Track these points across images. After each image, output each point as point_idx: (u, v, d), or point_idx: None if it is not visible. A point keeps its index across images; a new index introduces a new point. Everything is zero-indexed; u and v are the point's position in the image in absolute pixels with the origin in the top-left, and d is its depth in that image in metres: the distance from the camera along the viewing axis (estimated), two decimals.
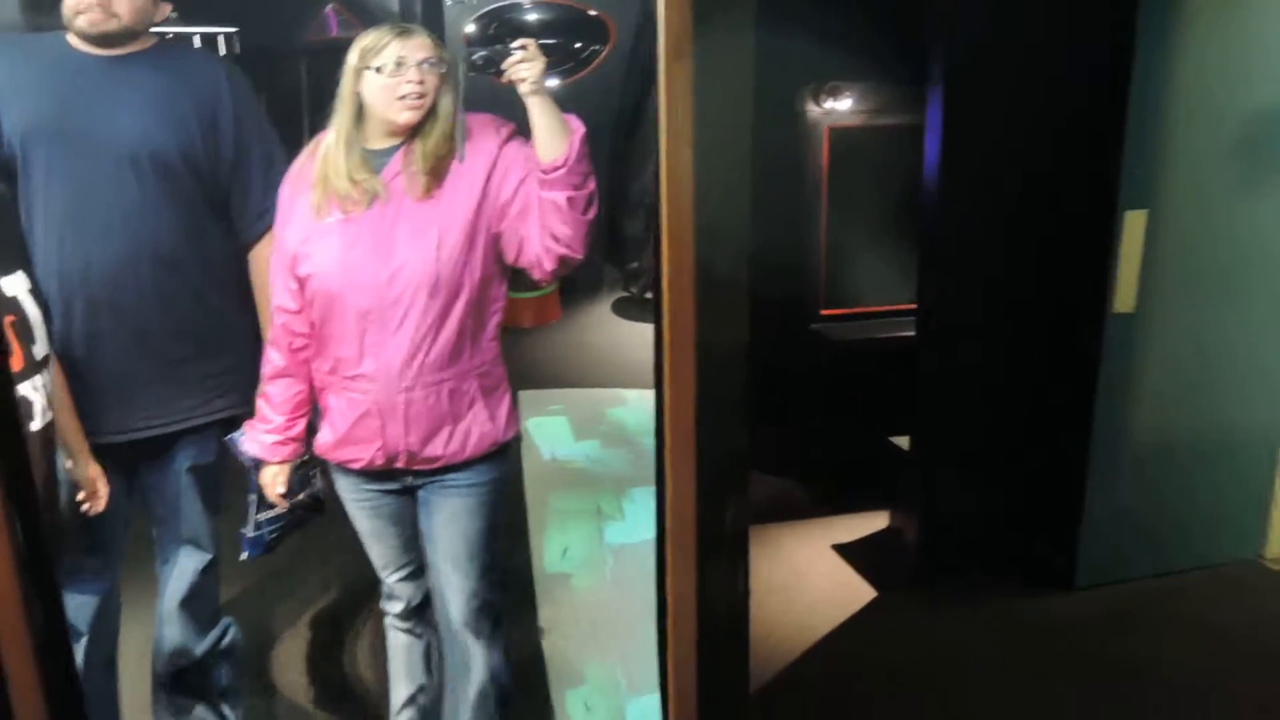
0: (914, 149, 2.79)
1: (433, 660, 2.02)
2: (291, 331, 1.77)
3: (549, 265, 1.67)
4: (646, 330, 1.69)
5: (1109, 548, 2.83)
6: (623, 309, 5.56)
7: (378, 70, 1.62)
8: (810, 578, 2.96)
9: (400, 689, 2.04)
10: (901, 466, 3.18)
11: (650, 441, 1.58)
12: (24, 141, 1.74)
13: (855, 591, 2.88)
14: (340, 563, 2.72)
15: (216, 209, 1.89)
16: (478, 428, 1.76)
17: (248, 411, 1.86)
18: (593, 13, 4.81)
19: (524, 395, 4.18)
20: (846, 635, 2.68)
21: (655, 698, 1.68)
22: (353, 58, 1.64)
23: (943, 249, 2.77)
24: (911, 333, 2.95)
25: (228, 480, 2.00)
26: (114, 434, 1.83)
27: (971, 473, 2.89)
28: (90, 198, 1.76)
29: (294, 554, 1.98)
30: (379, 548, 1.92)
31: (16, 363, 1.49)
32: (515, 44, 1.56)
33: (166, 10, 1.83)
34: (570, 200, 1.61)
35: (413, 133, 1.67)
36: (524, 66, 1.55)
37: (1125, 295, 2.65)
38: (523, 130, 1.67)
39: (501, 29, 4.54)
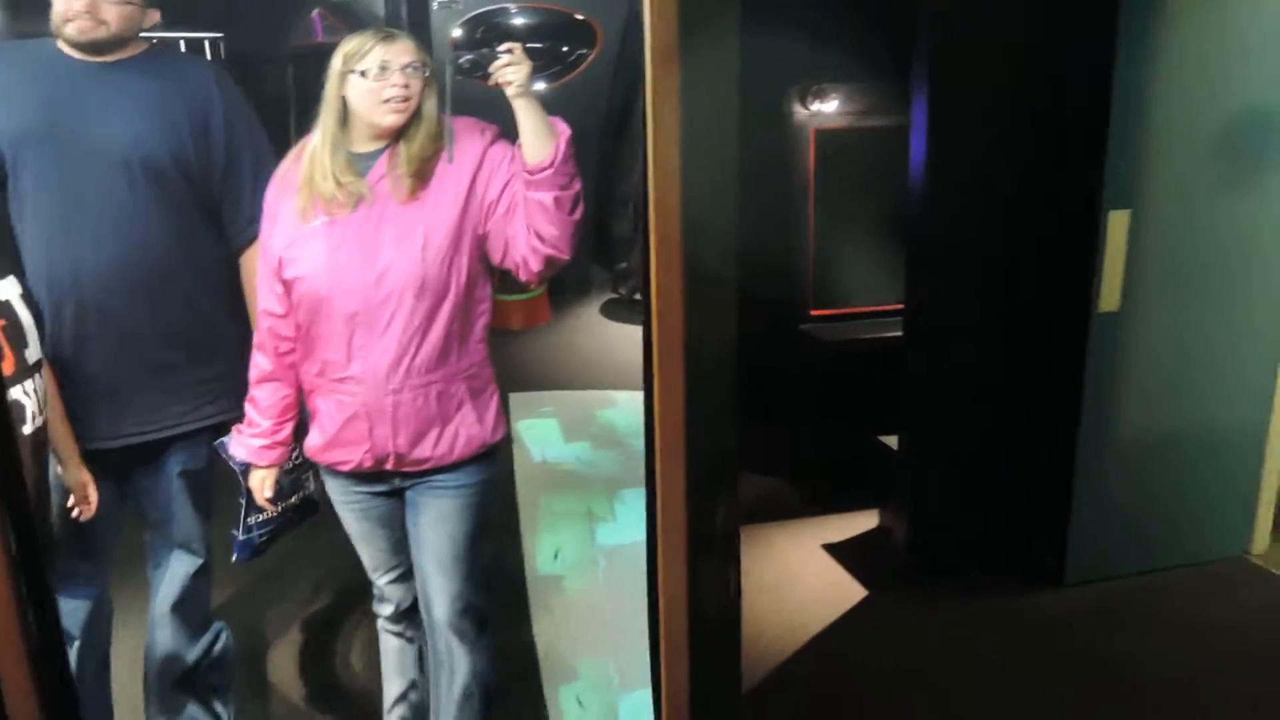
0: (900, 150, 2.81)
1: (424, 661, 2.02)
2: (278, 335, 1.77)
3: (535, 266, 1.68)
4: (636, 332, 1.70)
5: (1097, 545, 2.85)
6: (612, 311, 5.56)
7: (362, 75, 1.62)
8: (801, 577, 2.97)
9: (392, 686, 2.04)
10: (891, 466, 3.19)
11: (641, 443, 1.59)
12: (13, 147, 1.74)
13: (846, 591, 2.89)
14: (332, 565, 2.72)
15: (208, 214, 1.88)
16: (465, 430, 1.76)
17: (238, 417, 1.86)
18: (579, 17, 4.82)
19: (514, 398, 4.18)
20: (837, 634, 2.69)
21: (647, 693, 1.68)
22: (337, 62, 1.64)
23: (930, 249, 2.79)
24: (900, 333, 2.96)
25: (219, 483, 2.00)
26: (105, 440, 1.82)
27: (960, 472, 2.91)
28: (81, 203, 1.76)
29: (286, 557, 1.98)
30: (369, 550, 1.92)
31: (8, 367, 1.49)
32: (502, 48, 1.57)
33: (155, 17, 1.83)
34: (557, 200, 1.62)
35: (397, 136, 1.67)
36: (510, 70, 1.56)
37: (1110, 294, 2.67)
38: (507, 133, 1.68)
39: (488, 33, 4.54)
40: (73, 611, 1.85)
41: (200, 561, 2.03)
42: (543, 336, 5.13)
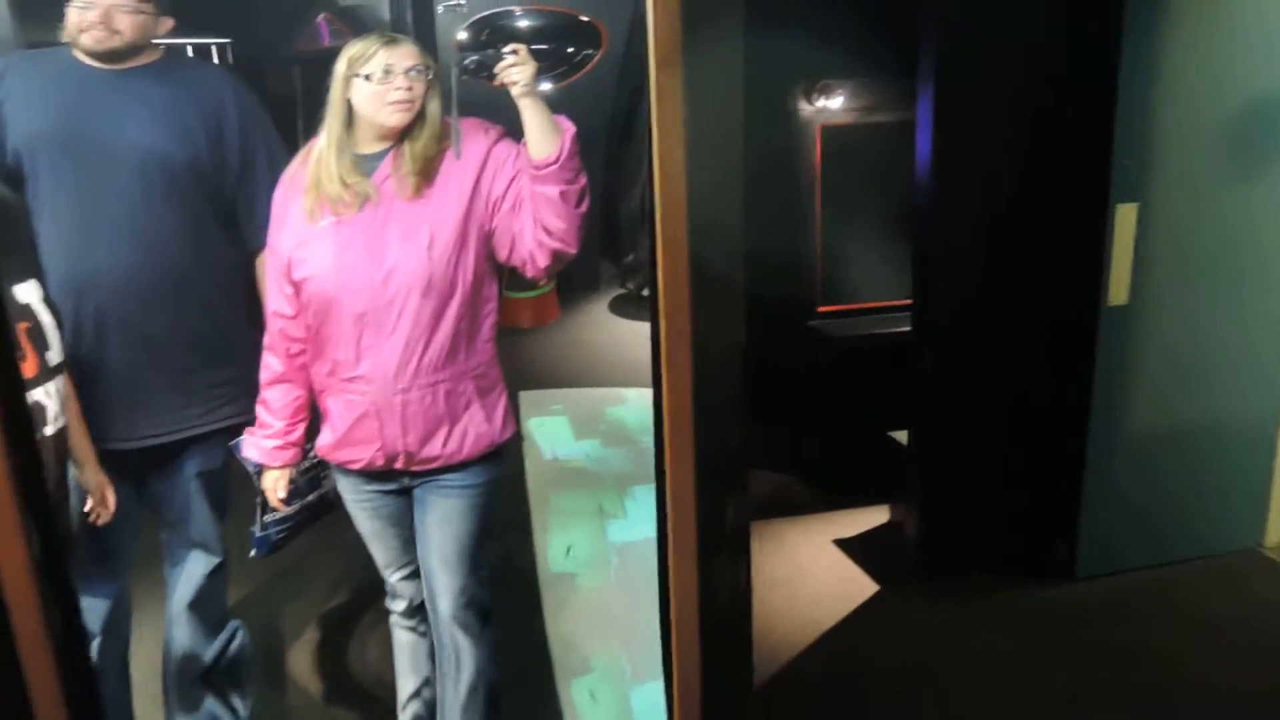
0: (907, 145, 2.80)
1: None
2: (289, 336, 1.79)
3: (542, 261, 1.69)
4: (644, 328, 1.71)
5: (1109, 539, 2.84)
6: (620, 307, 5.57)
7: (366, 78, 1.64)
8: (812, 572, 2.98)
9: (406, 682, 2.06)
10: (901, 461, 3.19)
11: (650, 440, 1.60)
12: (32, 153, 1.77)
13: (857, 585, 2.90)
14: (349, 563, 2.74)
15: (223, 218, 1.91)
16: (474, 429, 1.78)
17: (253, 418, 1.88)
18: (584, 18, 4.83)
19: (524, 395, 4.20)
20: (848, 629, 2.69)
21: (659, 685, 1.70)
22: (341, 66, 1.67)
23: (937, 244, 2.79)
24: (908, 328, 2.96)
25: (237, 480, 2.02)
26: (123, 441, 1.85)
27: (970, 466, 2.91)
28: (98, 208, 1.79)
29: (303, 554, 2.01)
30: (380, 547, 1.94)
31: (31, 369, 1.51)
32: (506, 49, 1.59)
33: (169, 24, 1.86)
34: (563, 194, 1.63)
35: (401, 136, 1.69)
36: (515, 70, 1.58)
37: (1119, 287, 2.66)
38: (512, 133, 1.70)
39: (493, 36, 4.56)
40: (93, 609, 1.88)
41: (217, 561, 2.05)
42: (552, 334, 5.15)
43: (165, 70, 1.86)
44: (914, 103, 2.75)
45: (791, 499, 3.42)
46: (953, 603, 2.78)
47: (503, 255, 1.73)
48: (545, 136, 1.61)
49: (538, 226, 1.66)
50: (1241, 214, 2.74)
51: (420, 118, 1.69)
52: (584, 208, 1.68)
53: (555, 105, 1.66)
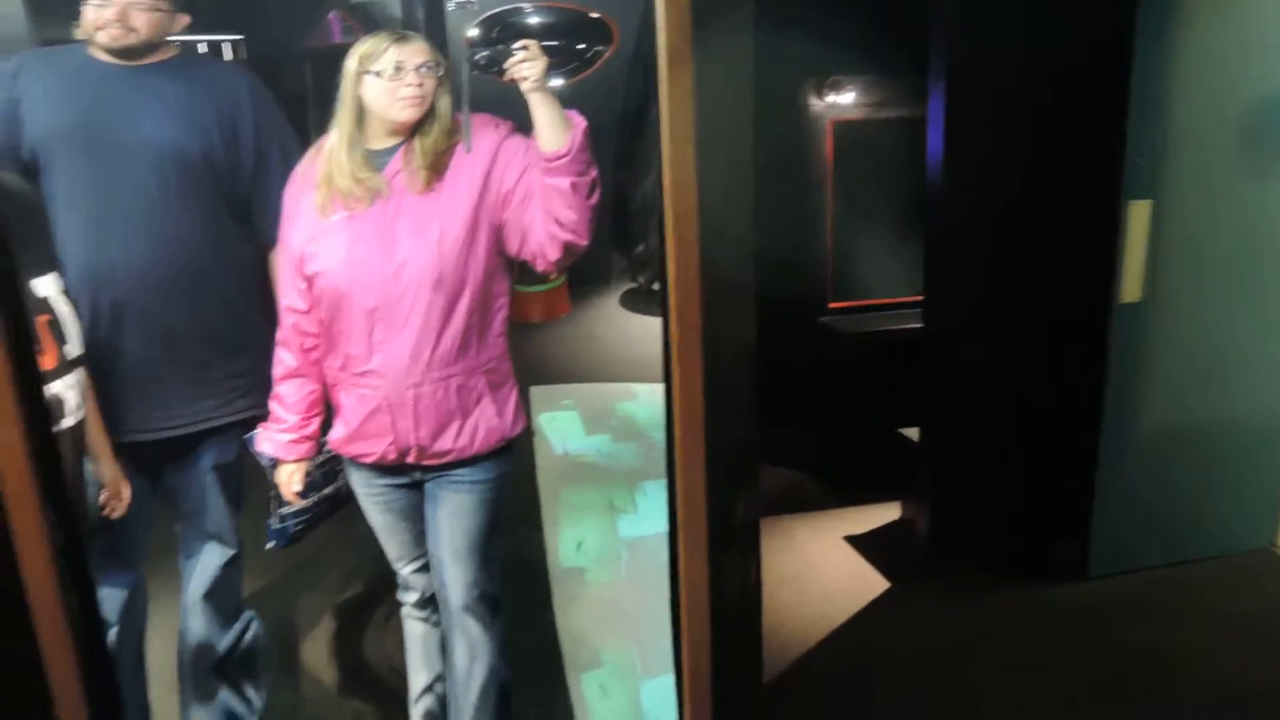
0: (918, 141, 2.79)
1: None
2: (302, 331, 1.80)
3: (553, 254, 1.70)
4: (655, 324, 1.72)
5: (1121, 538, 2.83)
6: (631, 302, 5.58)
7: (377, 74, 1.65)
8: (823, 569, 2.98)
9: (419, 677, 2.07)
10: (912, 458, 3.19)
11: (661, 435, 1.60)
12: (50, 148, 1.79)
13: (868, 582, 2.89)
14: (364, 554, 2.75)
15: (238, 213, 1.93)
16: (485, 423, 1.78)
17: (268, 412, 1.90)
18: (594, 15, 4.83)
19: (535, 391, 4.21)
20: (858, 626, 2.69)
21: (669, 679, 1.70)
22: (352, 63, 1.67)
23: (949, 241, 2.78)
24: (919, 324, 2.95)
25: (254, 473, 2.04)
26: (140, 433, 1.87)
27: (982, 464, 2.90)
28: (115, 202, 1.80)
29: (318, 546, 2.03)
30: (391, 541, 1.95)
31: (50, 361, 1.53)
32: (517, 44, 1.59)
33: (185, 21, 1.88)
34: (574, 186, 1.64)
35: (412, 131, 1.70)
36: (525, 65, 1.58)
37: (1132, 285, 2.65)
38: (523, 129, 1.70)
39: (504, 32, 4.57)
40: (109, 599, 1.90)
41: (232, 553, 2.08)
42: (563, 329, 5.16)
43: (181, 67, 1.88)
44: (925, 98, 2.74)
45: (802, 495, 3.42)
46: (963, 601, 2.77)
47: (513, 248, 1.74)
48: (556, 130, 1.62)
49: (549, 218, 1.66)
50: (1256, 211, 2.72)
51: (431, 113, 1.70)
52: (595, 199, 1.68)
53: (565, 101, 1.66)
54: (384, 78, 1.65)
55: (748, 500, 1.59)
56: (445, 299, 1.69)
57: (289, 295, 1.79)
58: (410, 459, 1.79)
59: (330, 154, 1.71)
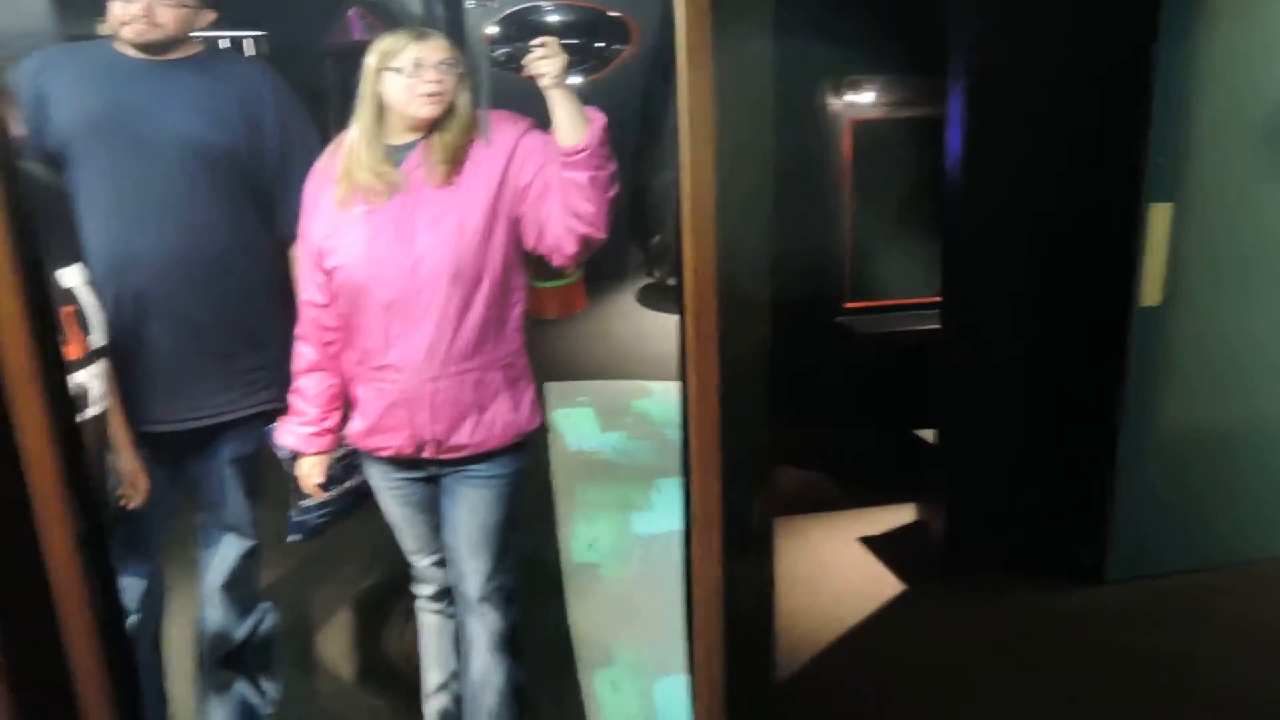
0: (937, 141, 2.78)
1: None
2: (321, 325, 1.81)
3: (570, 248, 1.71)
4: (671, 321, 1.72)
5: (1138, 542, 2.81)
6: (647, 298, 5.56)
7: (397, 71, 1.66)
8: (836, 570, 2.97)
9: (433, 675, 2.08)
10: (927, 459, 3.17)
11: (675, 433, 1.60)
12: (75, 140, 1.82)
13: (881, 584, 2.89)
14: (378, 548, 2.77)
15: (261, 207, 1.96)
16: (502, 417, 1.79)
17: (287, 405, 1.91)
18: (613, 14, 4.83)
19: (550, 387, 4.22)
20: (872, 627, 2.68)
21: (682, 678, 1.70)
22: (372, 60, 1.69)
23: (967, 242, 2.77)
24: (937, 325, 2.94)
25: (270, 465, 2.06)
26: (162, 424, 1.90)
27: (998, 466, 2.88)
28: (139, 195, 1.83)
29: (335, 538, 2.05)
30: (408, 534, 1.97)
31: (75, 351, 1.55)
32: (536, 41, 1.60)
33: (210, 17, 1.90)
34: (592, 179, 1.65)
35: (431, 127, 1.71)
36: (544, 62, 1.60)
37: (1153, 288, 2.63)
38: (542, 126, 1.71)
39: (523, 30, 4.58)
40: (128, 588, 1.92)
41: (250, 544, 2.10)
42: (578, 326, 5.16)
43: (205, 63, 1.90)
44: (945, 98, 2.72)
45: (816, 496, 3.42)
46: (978, 603, 2.76)
47: (530, 241, 1.75)
48: (574, 125, 1.63)
49: (566, 211, 1.67)
50: (1278, 213, 2.69)
51: (450, 110, 1.71)
52: (613, 193, 1.69)
53: (585, 97, 1.67)
54: (404, 74, 1.66)
55: (763, 499, 1.59)
56: (462, 293, 1.71)
57: (308, 289, 1.81)
58: (427, 453, 1.81)
59: (350, 149, 1.73)
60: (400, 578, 2.16)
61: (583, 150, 1.63)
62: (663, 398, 4.09)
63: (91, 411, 1.60)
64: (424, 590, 2.04)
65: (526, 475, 1.92)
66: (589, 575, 2.90)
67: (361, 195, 1.72)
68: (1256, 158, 2.63)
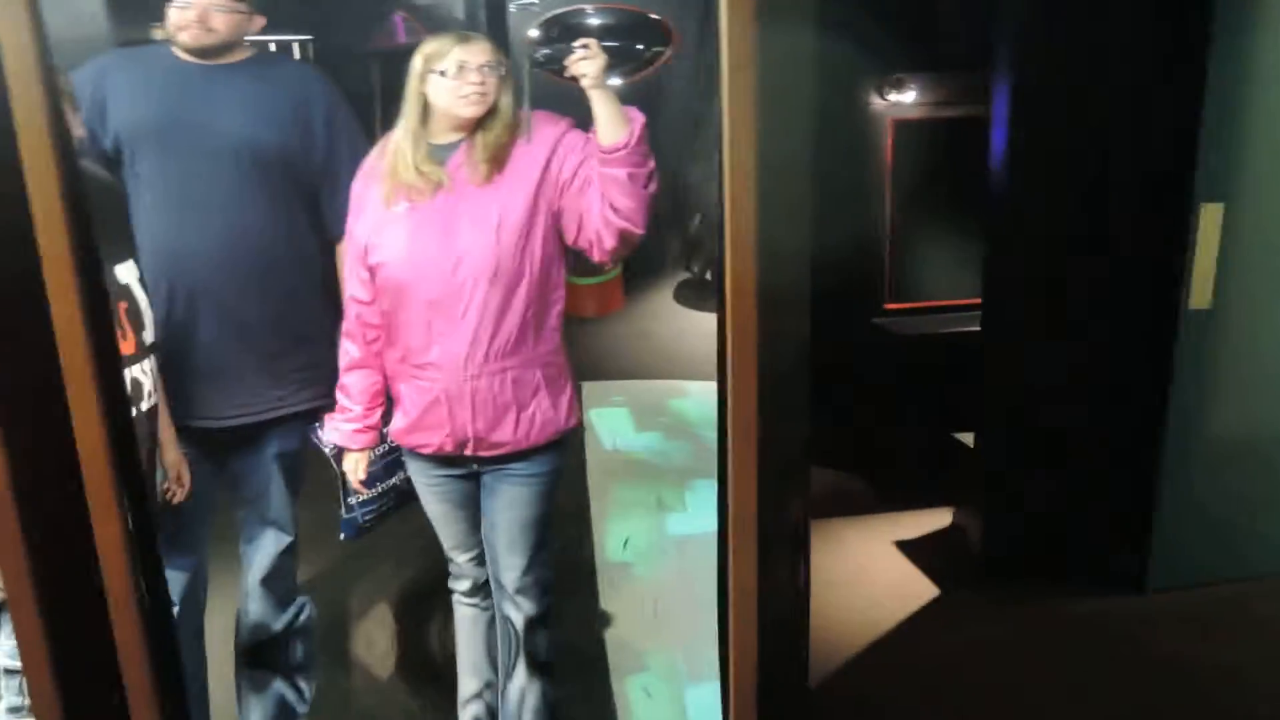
0: (980, 141, 2.75)
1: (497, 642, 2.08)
2: (365, 323, 1.85)
3: (609, 242, 1.72)
4: (707, 320, 1.72)
5: (1182, 550, 2.75)
6: (685, 296, 5.53)
7: (441, 74, 1.69)
8: (872, 573, 2.95)
9: (469, 683, 2.10)
10: (966, 464, 3.14)
11: (712, 434, 1.60)
12: (132, 140, 1.88)
13: (917, 589, 2.86)
14: (416, 545, 2.80)
15: (310, 207, 2.00)
16: (541, 415, 1.82)
17: (332, 403, 1.95)
18: (654, 16, 4.83)
19: (586, 386, 4.23)
20: (907, 633, 2.66)
21: (715, 686, 1.70)
22: (418, 63, 1.73)
23: (1009, 242, 2.73)
24: (977, 328, 2.91)
25: (322, 464, 2.09)
26: (210, 419, 1.94)
27: (1038, 471, 2.84)
28: (193, 193, 1.88)
29: (371, 537, 2.08)
30: (447, 530, 1.99)
31: (129, 347, 1.60)
32: (577, 43, 1.63)
33: (261, 22, 1.95)
34: (631, 176, 1.67)
35: (475, 127, 1.74)
36: (585, 63, 1.63)
37: (1201, 290, 2.57)
38: (582, 126, 1.74)
39: (565, 33, 4.60)
40: (171, 581, 1.96)
41: (289, 540, 2.14)
42: (615, 326, 5.16)
43: (258, 66, 1.95)
44: (988, 97, 2.69)
45: (852, 498, 3.39)
46: (1015, 611, 2.72)
47: (570, 236, 1.77)
48: (614, 124, 1.66)
49: (605, 205, 1.69)
50: None
51: (494, 110, 1.74)
52: (652, 189, 1.71)
53: (624, 98, 1.69)
54: (448, 76, 1.69)
55: (799, 501, 1.58)
56: (502, 291, 1.73)
57: (353, 286, 1.85)
58: (468, 450, 1.83)
59: (396, 148, 1.76)
60: (436, 574, 2.19)
61: (622, 148, 1.65)
62: (700, 398, 4.08)
63: (143, 406, 1.64)
64: (460, 586, 2.06)
65: (563, 474, 1.93)
66: (622, 574, 2.90)
67: (406, 193, 1.75)
68: None
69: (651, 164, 1.70)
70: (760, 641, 1.61)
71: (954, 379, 3.14)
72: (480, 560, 2.01)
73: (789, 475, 1.56)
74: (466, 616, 2.09)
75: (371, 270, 1.79)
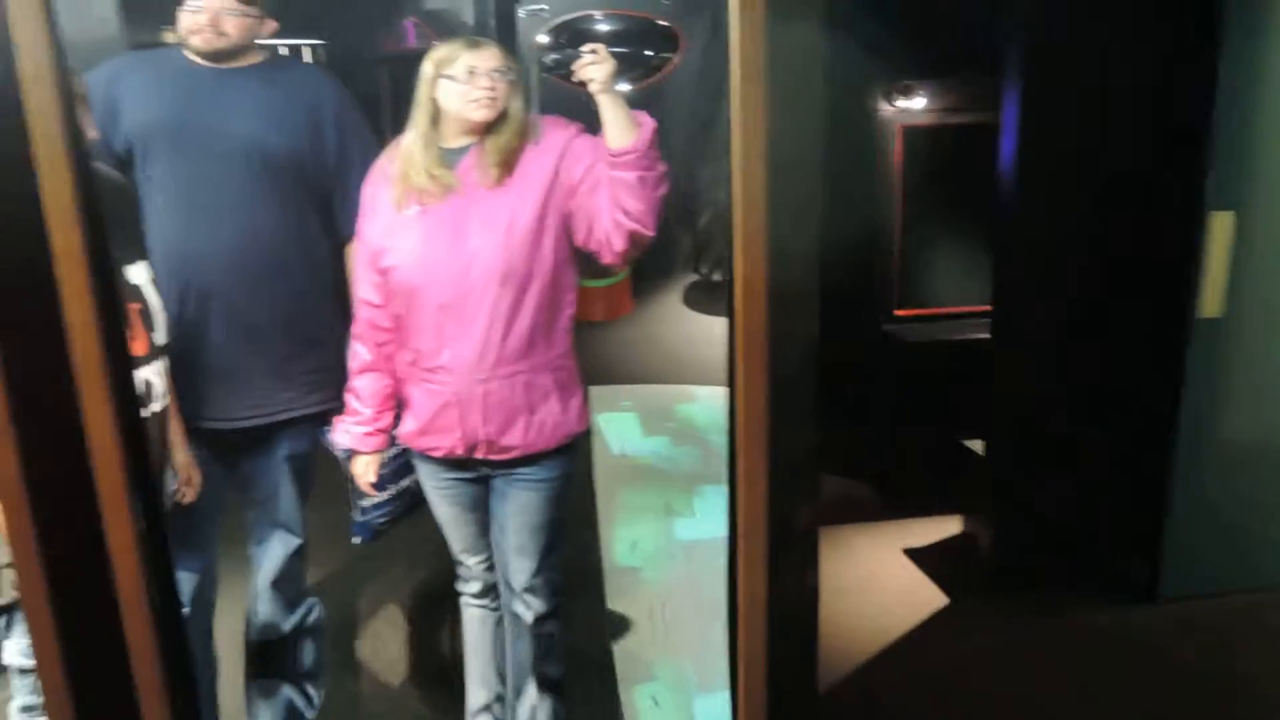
0: (990, 147, 2.75)
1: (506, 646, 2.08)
2: (376, 326, 1.85)
3: (619, 244, 1.73)
4: (716, 324, 1.72)
5: (1194, 559, 2.74)
6: (694, 299, 5.53)
7: (451, 79, 1.70)
8: (881, 581, 2.94)
9: (478, 694, 2.10)
10: (976, 471, 3.13)
11: (720, 439, 1.60)
12: (144, 142, 1.89)
13: (926, 597, 2.85)
14: (427, 548, 2.80)
15: (321, 210, 2.01)
16: (551, 419, 1.82)
17: (342, 406, 1.95)
18: (663, 23, 4.84)
19: (594, 391, 4.23)
20: (916, 641, 2.65)
21: (724, 695, 1.69)
22: (428, 68, 1.73)
23: (1019, 249, 2.72)
24: (986, 335, 2.90)
25: (334, 467, 2.09)
26: (220, 421, 1.95)
27: (1049, 478, 2.83)
28: (204, 195, 1.89)
29: (381, 540, 2.08)
30: (457, 534, 1.99)
31: (141, 348, 1.60)
32: (585, 48, 1.63)
33: (273, 26, 1.96)
34: (641, 179, 1.68)
35: (485, 131, 1.75)
36: (593, 68, 1.63)
37: (1213, 298, 2.56)
38: (591, 131, 1.74)
39: (574, 39, 4.61)
40: (182, 581, 1.97)
41: (298, 542, 2.14)
42: (623, 330, 5.16)
43: (269, 69, 1.96)
44: (998, 104, 2.69)
45: (862, 505, 3.38)
46: (1025, 619, 2.71)
47: (580, 237, 1.77)
48: (623, 128, 1.66)
49: (615, 207, 1.70)
50: None
51: (504, 114, 1.74)
52: (661, 191, 1.72)
53: (633, 103, 1.70)
54: (458, 81, 1.70)
55: (808, 508, 1.58)
56: (513, 294, 1.73)
57: (364, 289, 1.85)
58: (478, 454, 1.83)
59: (407, 151, 1.77)
60: (445, 578, 2.19)
61: (631, 152, 1.66)
62: (708, 403, 4.08)
63: (154, 408, 1.65)
64: (470, 588, 2.07)
65: (573, 478, 1.93)
66: (630, 578, 2.90)
67: (417, 196, 1.76)
68: None
69: (662, 167, 1.70)
70: (769, 648, 1.61)
71: (964, 385, 3.13)
72: (489, 563, 2.01)
73: (799, 482, 1.56)
74: (475, 618, 2.09)
75: (383, 273, 1.80)
